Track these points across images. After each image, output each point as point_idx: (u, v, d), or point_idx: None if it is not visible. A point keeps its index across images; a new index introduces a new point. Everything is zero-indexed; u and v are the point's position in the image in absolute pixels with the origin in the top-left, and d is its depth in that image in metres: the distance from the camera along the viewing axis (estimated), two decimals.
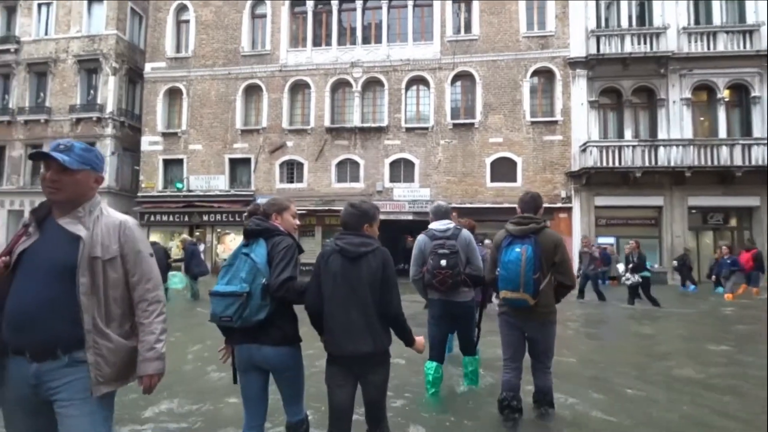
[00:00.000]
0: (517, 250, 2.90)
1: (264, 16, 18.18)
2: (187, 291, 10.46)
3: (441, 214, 3.66)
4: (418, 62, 16.91)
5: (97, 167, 1.69)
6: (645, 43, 15.16)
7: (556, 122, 15.91)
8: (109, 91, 19.12)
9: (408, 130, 16.84)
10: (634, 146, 14.74)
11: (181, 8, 18.69)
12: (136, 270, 1.70)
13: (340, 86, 17.67)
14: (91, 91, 19.53)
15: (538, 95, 16.55)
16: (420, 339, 2.38)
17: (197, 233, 18.52)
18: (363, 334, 2.13)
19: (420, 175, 16.53)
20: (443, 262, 3.29)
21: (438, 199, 15.87)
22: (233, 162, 18.01)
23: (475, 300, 3.76)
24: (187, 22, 18.61)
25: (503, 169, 16.08)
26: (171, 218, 18.09)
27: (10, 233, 19.15)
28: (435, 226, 3.59)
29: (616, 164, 14.61)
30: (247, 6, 18.07)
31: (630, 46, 15.15)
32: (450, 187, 16.38)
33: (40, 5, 20.00)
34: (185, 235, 10.34)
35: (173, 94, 18.72)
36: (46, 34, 19.92)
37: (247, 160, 17.83)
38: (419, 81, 17.14)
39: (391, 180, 16.73)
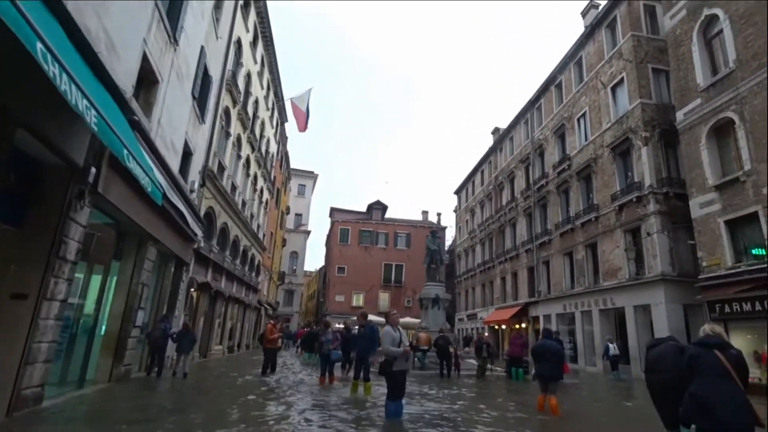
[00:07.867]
0: None
1: None
2: None
3: None
4: None
5: None
6: None
7: None
8: (643, 164, 16.57)
9: None
10: None
11: (708, 22, 14.13)
12: None
13: None
14: (628, 173, 17.71)
15: None
16: None
17: None
18: None
19: None
20: None
21: None
22: None
23: None
24: (720, 32, 13.63)
25: None
26: (755, 307, 11.31)
27: (603, 331, 19.28)
28: None
29: None
30: None
31: None
32: None
33: (578, 119, 21.82)
34: (710, 325, 4.50)
35: (720, 131, 13.36)
36: (585, 140, 21.03)
37: None
38: None
39: None
